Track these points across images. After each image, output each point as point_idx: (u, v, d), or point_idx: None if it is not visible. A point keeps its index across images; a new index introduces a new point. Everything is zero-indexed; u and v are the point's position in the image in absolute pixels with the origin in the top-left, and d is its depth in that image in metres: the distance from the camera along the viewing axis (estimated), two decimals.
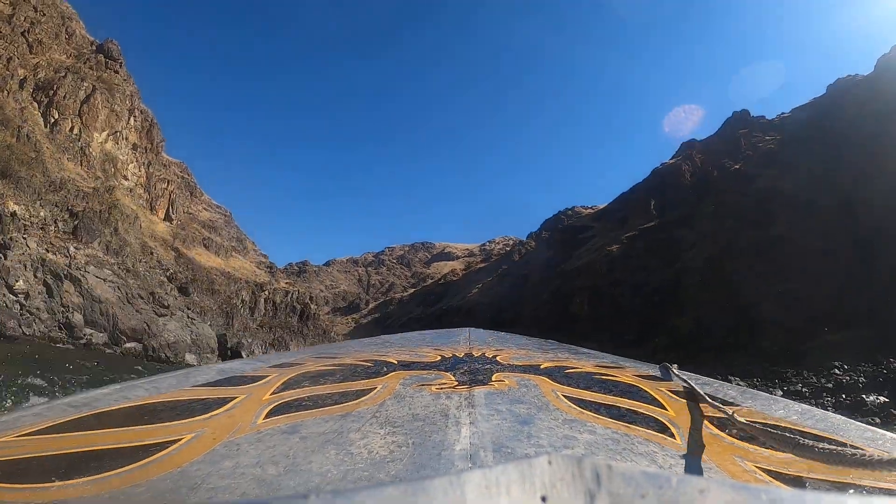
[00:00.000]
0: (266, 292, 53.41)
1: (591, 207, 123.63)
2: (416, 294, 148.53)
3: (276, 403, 1.09)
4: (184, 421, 0.99)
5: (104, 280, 26.65)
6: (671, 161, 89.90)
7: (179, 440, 0.89)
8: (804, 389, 17.02)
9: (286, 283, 64.56)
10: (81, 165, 41.45)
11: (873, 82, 54.87)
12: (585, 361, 1.66)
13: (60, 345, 21.51)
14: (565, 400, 1.13)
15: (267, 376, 1.32)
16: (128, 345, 25.21)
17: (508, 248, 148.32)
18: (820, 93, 68.58)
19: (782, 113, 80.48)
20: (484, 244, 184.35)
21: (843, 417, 1.17)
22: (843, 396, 15.86)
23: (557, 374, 1.38)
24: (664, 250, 64.14)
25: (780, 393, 17.19)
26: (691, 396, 1.24)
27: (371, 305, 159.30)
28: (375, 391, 1.17)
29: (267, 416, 1.01)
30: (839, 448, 0.65)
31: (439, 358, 1.58)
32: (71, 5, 52.42)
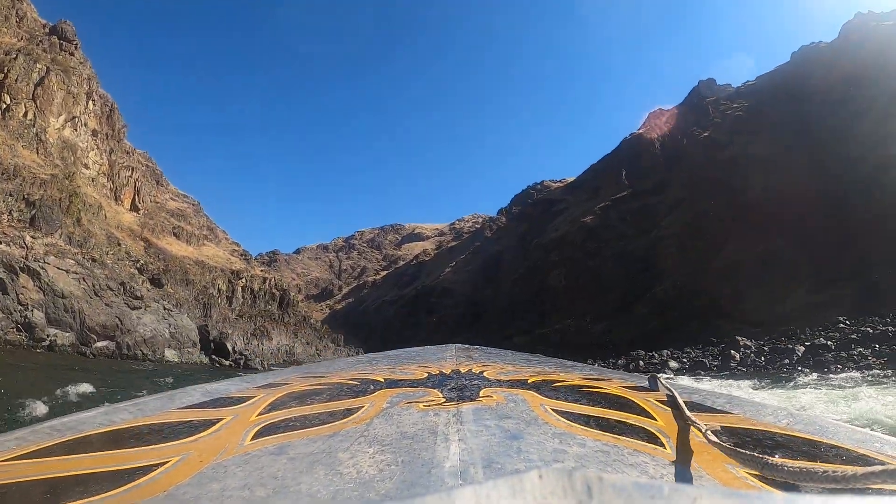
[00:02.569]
0: (243, 280, 51.01)
1: (560, 181, 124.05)
2: (389, 276, 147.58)
3: (264, 424, 1.08)
4: (170, 443, 0.98)
5: (67, 272, 23.98)
6: (640, 131, 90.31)
7: (166, 463, 0.88)
8: (829, 343, 16.78)
9: (261, 270, 62.51)
10: (38, 153, 38.57)
11: (838, 49, 55.47)
12: (572, 374, 1.65)
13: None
14: (554, 413, 1.11)
15: (253, 397, 1.31)
16: (99, 344, 22.76)
17: (479, 226, 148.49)
18: (784, 60, 69.35)
19: (748, 81, 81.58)
20: (453, 223, 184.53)
21: (834, 420, 1.16)
22: (878, 346, 15.48)
23: (545, 388, 1.35)
24: (639, 219, 64.50)
25: (803, 349, 16.88)
26: (677, 405, 1.18)
27: (344, 290, 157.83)
28: (363, 410, 1.15)
29: (254, 437, 1.00)
30: (809, 466, 0.65)
31: (426, 375, 1.56)
32: None
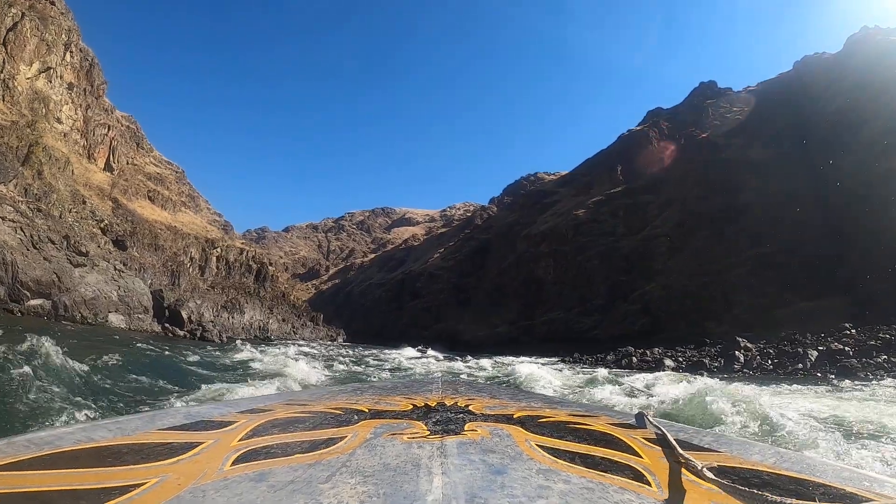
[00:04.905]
0: (218, 249, 48.76)
1: (554, 174, 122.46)
2: (377, 259, 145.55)
3: (245, 450, 1.07)
4: (148, 464, 0.97)
5: (3, 219, 21.86)
6: (638, 128, 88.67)
7: (143, 484, 0.86)
8: (847, 348, 15.33)
9: (241, 242, 59.94)
10: (3, 100, 36.62)
11: (841, 60, 54.34)
12: (559, 410, 1.64)
13: None
14: (539, 449, 1.12)
15: (235, 422, 1.31)
16: (32, 302, 20.71)
17: (469, 214, 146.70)
18: (787, 68, 68.04)
19: (749, 86, 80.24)
20: (444, 210, 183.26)
21: (821, 459, 1.16)
22: None
23: (530, 424, 1.37)
24: (631, 216, 63.29)
25: (816, 353, 15.39)
26: (667, 443, 1.19)
27: (331, 271, 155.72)
28: (346, 440, 1.15)
29: (234, 462, 0.99)
30: None
31: (411, 407, 1.58)
32: None
